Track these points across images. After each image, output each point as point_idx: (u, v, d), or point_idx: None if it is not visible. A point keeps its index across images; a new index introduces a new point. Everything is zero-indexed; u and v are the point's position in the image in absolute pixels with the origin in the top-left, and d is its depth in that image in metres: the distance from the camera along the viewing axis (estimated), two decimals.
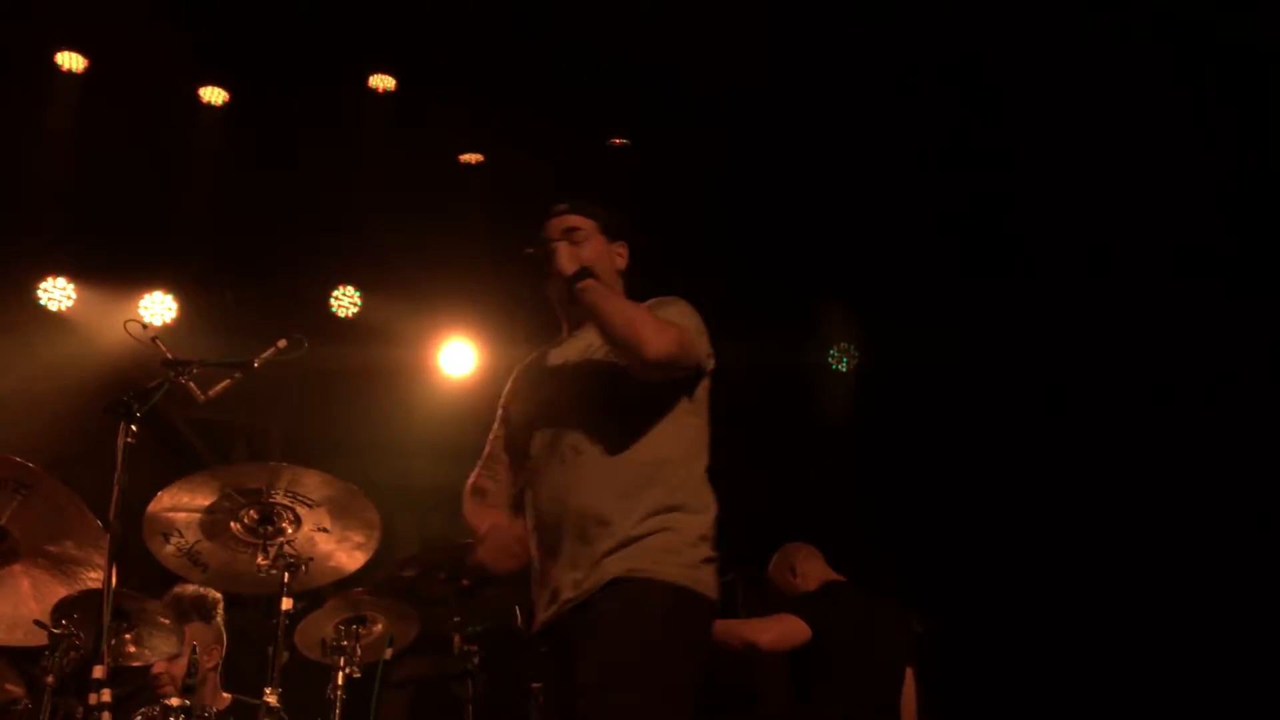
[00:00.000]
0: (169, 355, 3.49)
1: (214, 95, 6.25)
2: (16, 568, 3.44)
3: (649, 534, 2.57)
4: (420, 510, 6.68)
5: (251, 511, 3.56)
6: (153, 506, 3.50)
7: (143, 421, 3.24)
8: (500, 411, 3.04)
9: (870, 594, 4.51)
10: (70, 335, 6.22)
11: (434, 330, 6.90)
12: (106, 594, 3.09)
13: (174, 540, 3.57)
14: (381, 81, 6.36)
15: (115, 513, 3.14)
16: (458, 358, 6.96)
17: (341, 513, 3.64)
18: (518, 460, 2.89)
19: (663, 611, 2.50)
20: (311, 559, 3.64)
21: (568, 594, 2.57)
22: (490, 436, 3.09)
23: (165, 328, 6.36)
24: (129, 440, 3.20)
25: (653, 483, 2.63)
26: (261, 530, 3.56)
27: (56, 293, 6.34)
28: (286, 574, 3.51)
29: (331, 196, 6.38)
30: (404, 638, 4.03)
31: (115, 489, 3.14)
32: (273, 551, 3.53)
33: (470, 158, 6.67)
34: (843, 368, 7.13)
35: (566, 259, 2.77)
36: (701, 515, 2.68)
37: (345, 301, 6.85)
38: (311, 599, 3.92)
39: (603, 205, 3.08)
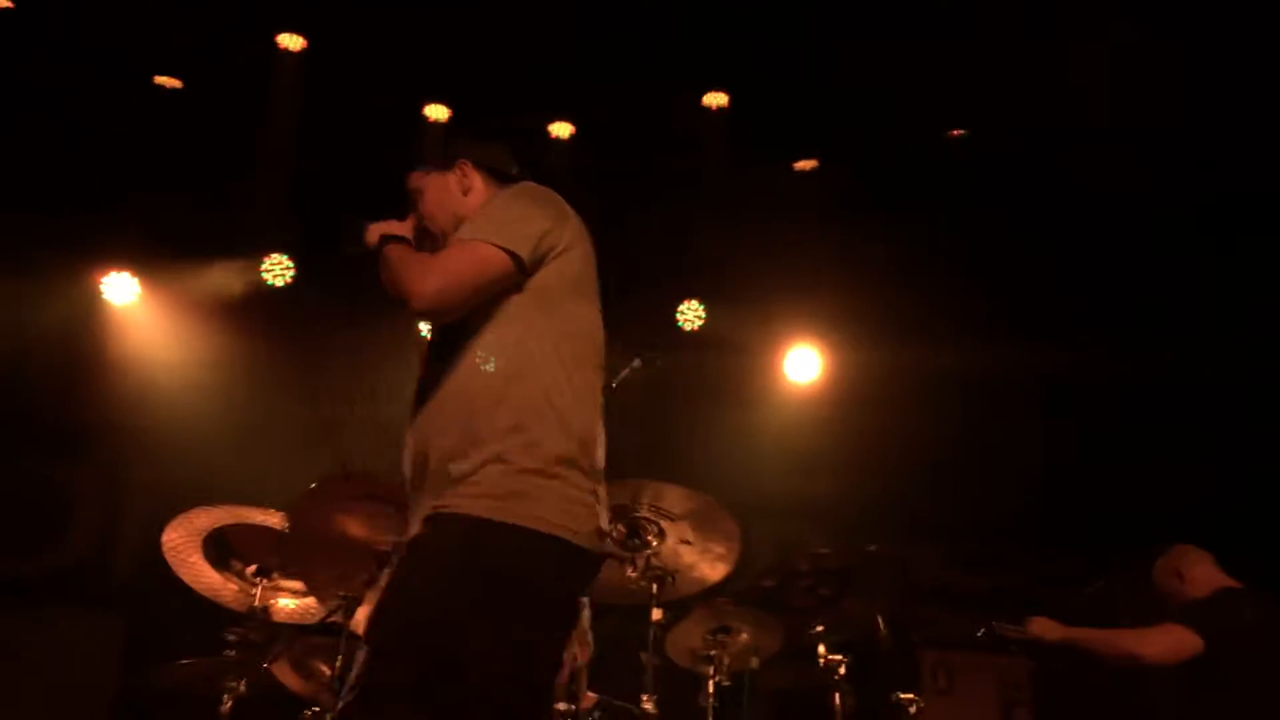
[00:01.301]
0: None
1: (561, 129, 6.66)
2: None
3: (467, 474, 2.34)
4: (775, 518, 6.74)
5: (620, 526, 3.72)
6: None
7: None
8: None
9: (1274, 600, 4.10)
10: None
11: (778, 338, 6.96)
12: None
13: None
14: (715, 99, 6.51)
15: None
16: (803, 364, 6.98)
17: (703, 525, 3.74)
18: None
19: (455, 542, 2.29)
20: (677, 571, 3.76)
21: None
22: None
23: None
24: None
25: (474, 413, 2.39)
26: (629, 544, 3.72)
27: None
28: (655, 585, 3.65)
29: (672, 214, 6.59)
30: (769, 647, 4.08)
31: None
32: (641, 564, 3.67)
33: (804, 165, 6.69)
34: None
35: (372, 233, 2.67)
36: (540, 437, 2.37)
37: (690, 315, 7.04)
38: (678, 609, 4.04)
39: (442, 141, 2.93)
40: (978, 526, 6.10)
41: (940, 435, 6.25)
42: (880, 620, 4.35)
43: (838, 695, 3.91)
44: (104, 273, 6.58)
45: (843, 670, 3.95)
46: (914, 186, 6.28)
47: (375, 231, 2.68)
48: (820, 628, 4.03)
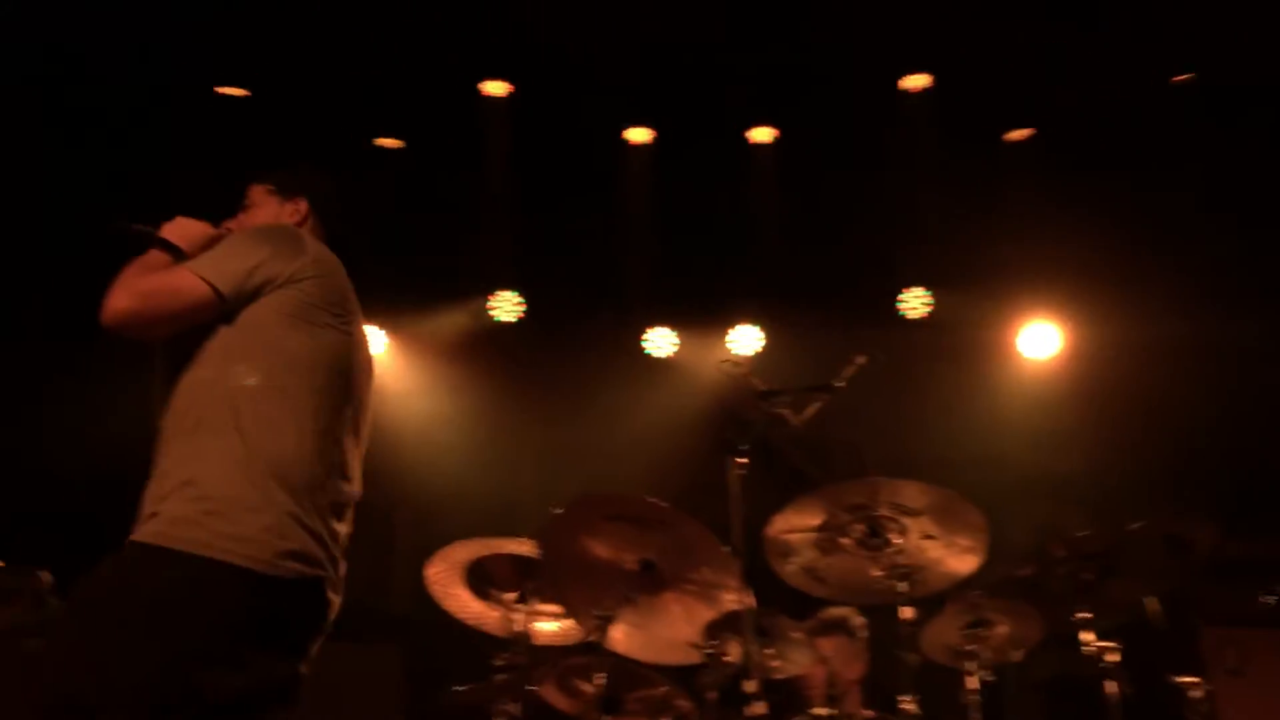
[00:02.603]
0: (762, 388, 3.76)
1: (762, 135, 6.67)
2: (667, 595, 3.85)
3: (156, 511, 2.39)
4: (1027, 501, 6.51)
5: (859, 526, 3.69)
6: (770, 530, 3.75)
7: (749, 451, 3.53)
8: None
9: None
10: (675, 378, 6.89)
11: (1010, 316, 6.74)
12: (746, 615, 3.39)
13: (793, 559, 3.80)
14: (916, 81, 6.36)
15: (739, 539, 3.44)
16: (1040, 340, 6.74)
17: (945, 518, 3.66)
18: None
19: (109, 569, 2.34)
20: (923, 567, 3.69)
21: None
22: None
23: (755, 357, 6.83)
24: (739, 473, 3.51)
25: (169, 455, 2.46)
26: (871, 543, 3.68)
27: (661, 341, 7.07)
28: (902, 583, 3.59)
29: (884, 205, 6.49)
30: (1030, 638, 3.94)
31: (735, 518, 3.44)
32: (885, 562, 3.63)
33: (1017, 135, 6.44)
34: None
35: (163, 229, 2.67)
36: (220, 476, 2.38)
37: (914, 303, 6.91)
38: (931, 605, 3.96)
39: (286, 167, 2.97)
40: (1252, 494, 5.69)
41: (1196, 403, 5.87)
42: (1151, 601, 4.13)
43: (1110, 684, 3.73)
44: None
45: (1113, 656, 3.76)
46: (1142, 143, 5.94)
47: (165, 229, 2.70)
48: (1085, 614, 3.86)
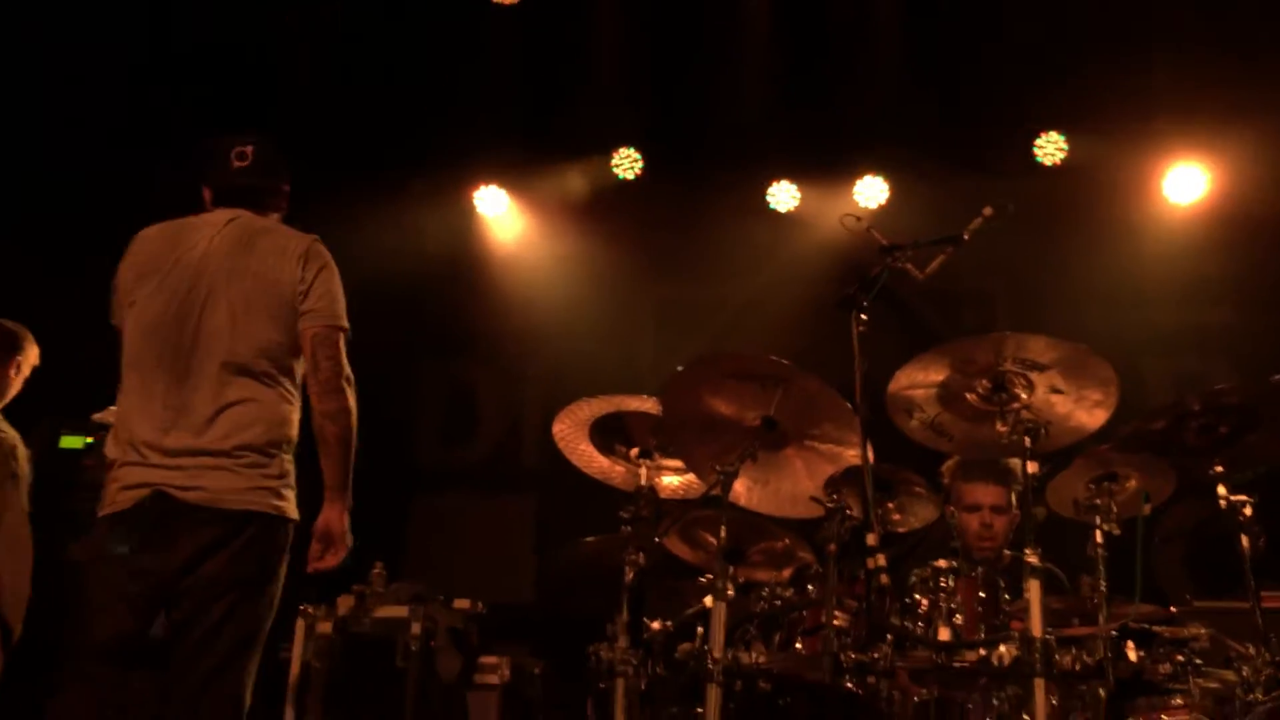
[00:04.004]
0: (884, 242, 3.70)
1: None
2: (789, 451, 3.89)
3: None
4: (1171, 353, 6.32)
5: (984, 381, 3.62)
6: (892, 386, 3.71)
7: (872, 305, 3.49)
8: None
9: None
10: (798, 232, 6.80)
11: (1152, 159, 6.42)
12: (866, 469, 3.40)
13: (917, 415, 3.76)
14: None
15: (860, 395, 3.44)
16: (1184, 184, 6.43)
17: (1074, 372, 3.56)
18: None
19: None
20: (1050, 422, 3.62)
21: None
22: None
23: (880, 209, 6.69)
24: (861, 329, 3.48)
25: None
26: (996, 398, 3.61)
27: (783, 195, 6.96)
28: (1028, 438, 3.54)
29: (1013, 46, 6.19)
30: (1161, 491, 3.85)
31: (857, 374, 3.43)
32: (1010, 418, 3.57)
33: None
34: None
35: None
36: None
37: (1050, 149, 6.64)
38: (1059, 459, 3.90)
39: None
40: None
41: None
42: None
43: (1246, 537, 3.64)
44: (476, 188, 7.13)
45: (1248, 510, 3.67)
46: None
47: None
48: (1219, 467, 3.75)
